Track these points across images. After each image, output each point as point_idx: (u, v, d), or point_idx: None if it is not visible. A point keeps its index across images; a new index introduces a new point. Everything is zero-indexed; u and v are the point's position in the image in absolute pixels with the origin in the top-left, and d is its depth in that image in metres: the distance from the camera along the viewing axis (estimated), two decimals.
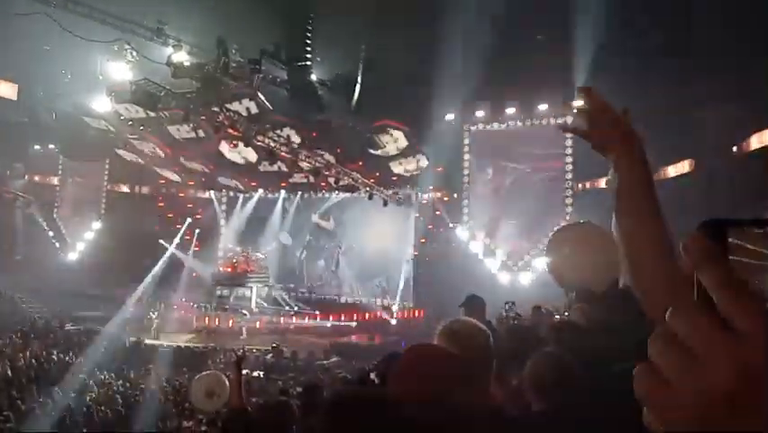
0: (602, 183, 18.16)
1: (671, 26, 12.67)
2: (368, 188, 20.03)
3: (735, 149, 14.19)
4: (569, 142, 18.39)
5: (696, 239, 0.40)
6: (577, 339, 2.22)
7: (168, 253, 24.03)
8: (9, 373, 11.46)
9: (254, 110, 17.53)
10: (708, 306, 0.39)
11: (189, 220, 25.35)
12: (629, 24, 13.10)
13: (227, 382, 3.96)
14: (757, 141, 13.56)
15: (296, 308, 23.14)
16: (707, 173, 14.80)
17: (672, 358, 0.40)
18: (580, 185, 18.67)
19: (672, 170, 16.43)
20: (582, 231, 2.64)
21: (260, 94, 16.81)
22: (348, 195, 22.09)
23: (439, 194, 22.05)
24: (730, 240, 0.41)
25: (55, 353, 14.80)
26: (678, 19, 12.43)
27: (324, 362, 16.88)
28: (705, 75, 13.41)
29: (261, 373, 14.68)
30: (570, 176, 18.45)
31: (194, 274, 24.22)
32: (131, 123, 19.41)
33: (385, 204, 21.06)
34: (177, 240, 24.58)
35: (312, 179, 21.40)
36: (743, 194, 12.05)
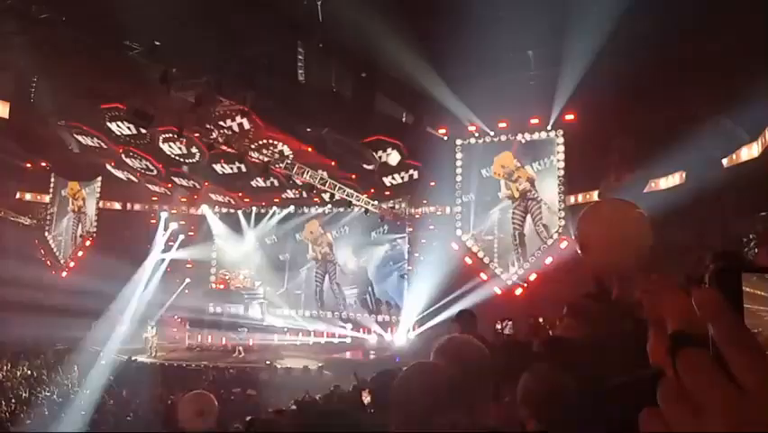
0: (595, 196, 18.29)
1: (659, 39, 12.77)
2: (363, 203, 20.05)
3: (725, 161, 14.27)
4: (561, 156, 18.48)
5: (708, 293, 0.40)
6: (570, 354, 2.20)
7: (160, 270, 23.93)
8: None
9: (247, 126, 17.56)
10: (719, 358, 0.39)
11: (182, 237, 25.30)
12: (619, 38, 13.20)
13: (215, 402, 3.92)
14: (747, 153, 13.66)
15: (290, 325, 23.03)
16: (697, 185, 14.88)
17: (676, 406, 0.40)
18: (572, 198, 18.73)
19: (663, 183, 16.52)
20: (613, 208, 2.61)
21: (252, 110, 16.87)
22: (341, 210, 22.14)
23: (432, 208, 22.07)
24: (745, 288, 0.41)
25: (45, 372, 14.66)
26: (667, 32, 12.53)
27: (318, 378, 16.79)
28: (695, 87, 13.54)
29: (255, 392, 14.58)
30: (562, 189, 18.51)
31: (186, 291, 24.10)
32: (123, 140, 19.42)
33: (381, 219, 21.08)
34: (169, 256, 24.50)
35: (305, 194, 21.39)
36: (733, 206, 12.14)
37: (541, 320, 14.48)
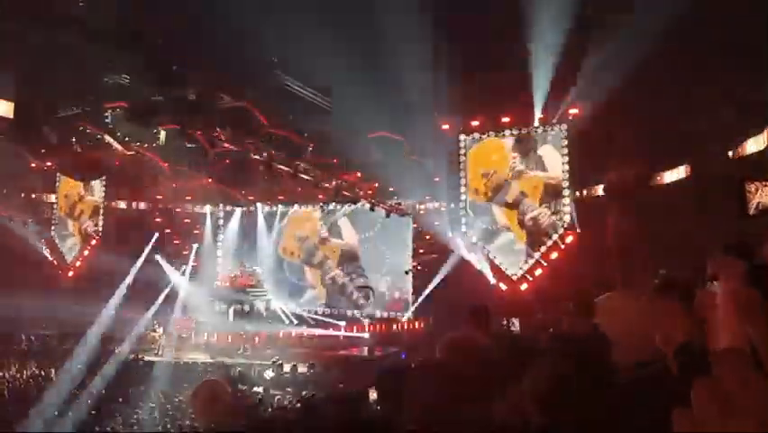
0: (599, 191, 18.25)
1: (663, 32, 12.70)
2: (369, 199, 20.06)
3: (730, 154, 14.20)
4: (565, 150, 18.43)
5: (749, 293, 0.41)
6: (577, 350, 2.20)
7: (166, 269, 23.98)
8: (7, 393, 11.41)
9: (250, 123, 17.58)
10: (757, 359, 0.40)
11: (188, 235, 25.35)
12: (623, 32, 13.15)
13: (229, 390, 3.90)
14: (753, 145, 13.58)
15: (296, 322, 23.06)
16: (702, 178, 14.82)
17: (710, 406, 0.40)
18: (577, 193, 18.68)
19: (668, 176, 16.47)
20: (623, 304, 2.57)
21: (255, 107, 16.89)
22: (347, 206, 22.16)
23: (437, 204, 22.04)
24: None
25: (53, 371, 14.73)
26: (671, 25, 12.47)
27: (325, 375, 16.81)
28: (699, 80, 13.47)
29: (261, 389, 14.61)
30: (567, 184, 18.45)
31: (190, 289, 24.14)
32: (128, 138, 19.46)
33: (387, 215, 21.08)
34: (175, 255, 24.56)
35: (310, 190, 21.42)
36: (738, 200, 12.07)
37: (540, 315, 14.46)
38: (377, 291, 22.70)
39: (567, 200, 18.42)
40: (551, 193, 18.66)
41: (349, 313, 22.77)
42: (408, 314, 21.90)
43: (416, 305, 21.72)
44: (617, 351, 1.92)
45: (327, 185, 19.46)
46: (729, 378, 0.42)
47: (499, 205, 19.30)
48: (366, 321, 22.08)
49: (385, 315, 22.22)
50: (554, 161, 18.68)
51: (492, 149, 19.44)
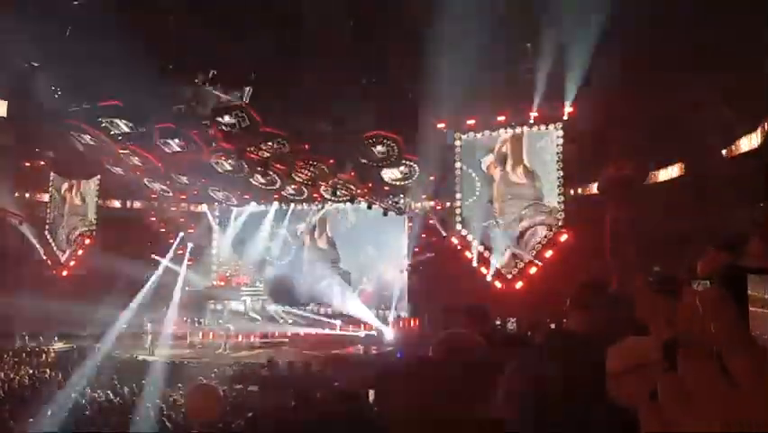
0: (593, 189, 18.28)
1: (660, 29, 12.74)
2: (366, 198, 20.07)
3: (725, 152, 14.25)
4: (559, 148, 18.46)
5: (713, 291, 0.41)
6: (573, 347, 2.20)
7: (161, 268, 23.93)
8: (2, 393, 11.36)
9: (245, 122, 17.52)
10: (720, 357, 0.40)
11: (182, 234, 25.29)
12: (618, 29, 13.16)
13: (222, 393, 3.92)
14: (748, 143, 13.64)
15: (290, 321, 23.06)
16: (698, 176, 14.87)
17: (673, 401, 0.41)
18: (571, 191, 18.72)
19: (663, 174, 16.52)
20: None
21: (250, 106, 16.84)
22: (341, 206, 22.19)
23: (432, 203, 22.07)
24: (750, 292, 0.41)
25: (48, 371, 14.66)
26: (668, 22, 12.51)
27: (320, 374, 16.79)
28: (695, 78, 13.50)
29: (257, 388, 14.57)
30: (561, 182, 18.49)
31: (187, 288, 24.11)
32: (121, 138, 19.37)
33: (385, 213, 21.11)
34: (169, 254, 24.51)
35: (305, 190, 21.39)
36: (734, 197, 12.10)
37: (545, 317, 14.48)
38: (371, 290, 22.73)
39: (562, 198, 18.46)
40: (546, 191, 18.70)
41: (345, 312, 22.79)
42: (402, 313, 21.92)
43: (411, 304, 21.77)
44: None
45: (323, 184, 19.43)
46: (691, 375, 0.42)
47: (494, 203, 19.32)
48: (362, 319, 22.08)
49: (380, 314, 22.24)
50: (549, 159, 18.72)
51: (487, 147, 19.47)
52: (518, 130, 19.09)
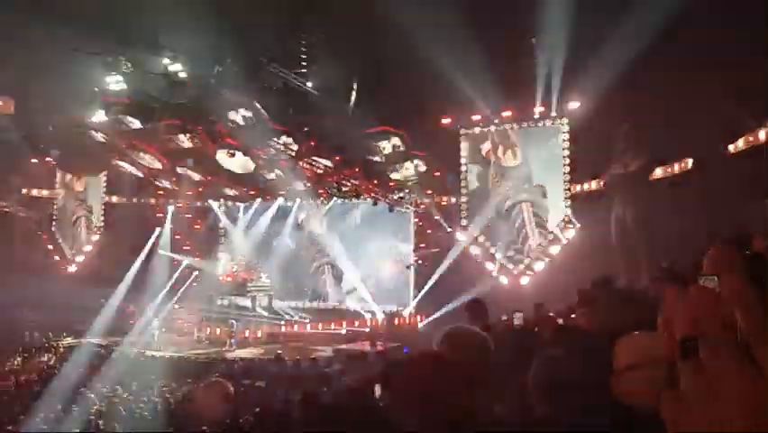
0: (600, 185, 18.23)
1: (665, 25, 12.67)
2: (372, 195, 20.05)
3: (730, 148, 14.19)
4: (566, 144, 18.42)
5: (738, 281, 0.41)
6: (581, 342, 2.22)
7: (168, 263, 24.04)
8: (12, 388, 11.45)
9: (251, 119, 17.53)
10: (745, 346, 0.40)
11: (189, 230, 25.37)
12: (621, 24, 13.12)
13: (232, 390, 3.95)
14: (752, 140, 13.57)
15: (297, 317, 23.11)
16: (702, 172, 14.80)
17: (698, 389, 0.41)
18: (577, 186, 18.68)
19: (668, 170, 16.44)
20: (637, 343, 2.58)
21: (256, 103, 16.83)
22: (348, 202, 22.21)
23: (437, 198, 22.06)
24: None
25: (57, 367, 14.76)
26: (672, 17, 12.43)
27: (327, 370, 16.82)
28: (699, 74, 13.43)
29: (264, 383, 14.62)
30: (567, 177, 18.45)
31: (194, 284, 24.20)
32: (127, 134, 19.38)
33: (391, 210, 21.09)
34: (173, 249, 24.63)
35: (312, 186, 21.39)
36: (738, 193, 12.06)
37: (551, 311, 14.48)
38: (379, 285, 22.75)
39: (568, 194, 18.42)
40: (551, 187, 18.67)
41: (351, 308, 22.82)
42: (410, 308, 21.94)
43: (416, 299, 21.77)
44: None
45: (330, 180, 19.43)
46: (716, 364, 0.43)
47: (500, 199, 19.31)
48: (368, 316, 22.10)
49: (388, 309, 22.26)
50: (555, 154, 18.68)
51: (493, 143, 19.44)
52: (524, 125, 19.05)
